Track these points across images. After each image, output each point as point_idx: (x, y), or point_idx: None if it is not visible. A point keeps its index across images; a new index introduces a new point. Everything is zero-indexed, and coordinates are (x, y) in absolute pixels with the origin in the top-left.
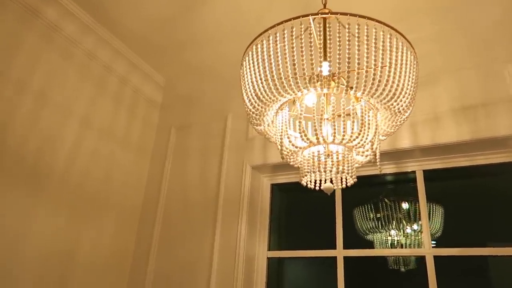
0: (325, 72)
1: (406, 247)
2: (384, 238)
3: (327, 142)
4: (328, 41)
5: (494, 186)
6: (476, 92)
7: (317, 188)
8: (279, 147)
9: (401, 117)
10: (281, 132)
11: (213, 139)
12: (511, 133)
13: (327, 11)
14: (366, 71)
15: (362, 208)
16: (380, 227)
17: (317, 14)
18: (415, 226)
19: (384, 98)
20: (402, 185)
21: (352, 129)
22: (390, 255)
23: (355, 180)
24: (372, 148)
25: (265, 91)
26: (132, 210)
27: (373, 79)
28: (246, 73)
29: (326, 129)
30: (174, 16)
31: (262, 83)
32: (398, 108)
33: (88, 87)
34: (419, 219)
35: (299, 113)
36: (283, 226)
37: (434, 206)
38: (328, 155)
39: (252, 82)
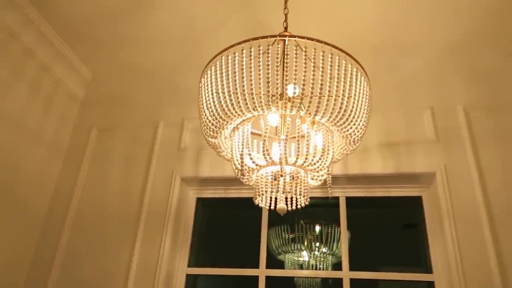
0: (290, 94)
1: (315, 269)
2: (296, 258)
3: (288, 163)
4: (292, 63)
5: (402, 215)
6: (400, 131)
7: (272, 208)
8: (236, 163)
9: (354, 146)
10: (242, 149)
11: (140, 145)
12: (426, 171)
13: (287, 34)
14: (326, 97)
15: (277, 228)
16: (293, 248)
17: (276, 36)
18: (324, 249)
19: (345, 127)
20: (319, 208)
21: (313, 153)
22: (310, 276)
23: (308, 202)
24: (327, 173)
25: (231, 105)
26: (36, 212)
27: (334, 106)
28: (211, 84)
29: (281, 150)
30: (116, 11)
31: (229, 96)
32: (355, 139)
33: (2, 69)
34: (330, 242)
35: (263, 131)
36: (204, 242)
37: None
38: (282, 176)
39: (216, 93)
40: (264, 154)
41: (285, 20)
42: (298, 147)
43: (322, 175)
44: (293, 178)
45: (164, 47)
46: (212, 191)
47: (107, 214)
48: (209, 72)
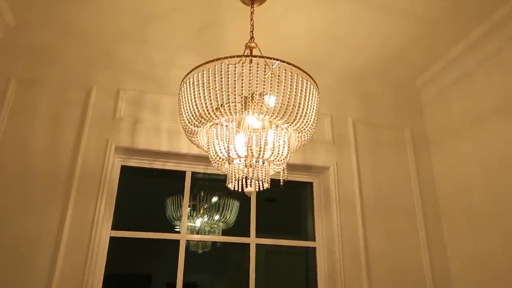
0: (272, 104)
1: (206, 233)
2: (191, 224)
3: (255, 157)
4: (255, 78)
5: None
6: None
7: (240, 190)
8: (219, 153)
9: (305, 143)
10: (228, 144)
11: (71, 108)
12: (323, 165)
13: (254, 45)
14: (285, 105)
15: (177, 197)
16: (190, 215)
17: (243, 56)
18: (216, 217)
19: (303, 128)
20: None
21: (279, 148)
22: (222, 241)
23: (269, 185)
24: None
25: (207, 112)
26: None
27: (291, 112)
28: (190, 93)
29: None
30: None
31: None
32: (308, 138)
33: None
34: (223, 211)
35: (248, 132)
36: (128, 207)
37: (232, 200)
38: (251, 166)
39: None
40: (244, 149)
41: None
42: (265, 144)
43: (282, 165)
44: (256, 167)
45: (103, 11)
46: (138, 161)
47: (31, 173)
48: (186, 83)
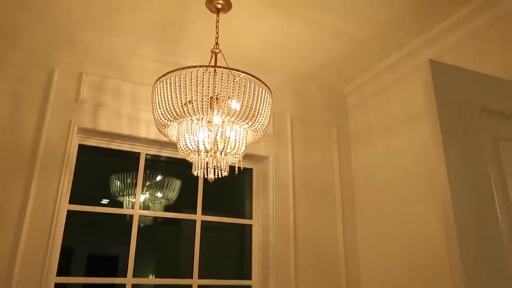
0: (233, 107)
1: (149, 209)
2: (133, 200)
3: (219, 150)
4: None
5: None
6: None
7: (204, 177)
8: (189, 145)
9: (258, 139)
10: (198, 138)
11: (32, 87)
12: (264, 155)
13: (218, 51)
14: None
15: (123, 174)
16: (132, 192)
17: (208, 66)
18: (159, 194)
19: (259, 129)
20: (166, 164)
21: (238, 143)
22: (171, 217)
23: (227, 173)
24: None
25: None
26: None
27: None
28: (162, 94)
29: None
30: None
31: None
32: (261, 136)
33: None
34: (165, 189)
35: (213, 129)
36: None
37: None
38: (214, 157)
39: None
40: (210, 142)
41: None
42: (227, 140)
43: (239, 157)
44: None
45: None
46: (96, 141)
47: None
48: (161, 84)
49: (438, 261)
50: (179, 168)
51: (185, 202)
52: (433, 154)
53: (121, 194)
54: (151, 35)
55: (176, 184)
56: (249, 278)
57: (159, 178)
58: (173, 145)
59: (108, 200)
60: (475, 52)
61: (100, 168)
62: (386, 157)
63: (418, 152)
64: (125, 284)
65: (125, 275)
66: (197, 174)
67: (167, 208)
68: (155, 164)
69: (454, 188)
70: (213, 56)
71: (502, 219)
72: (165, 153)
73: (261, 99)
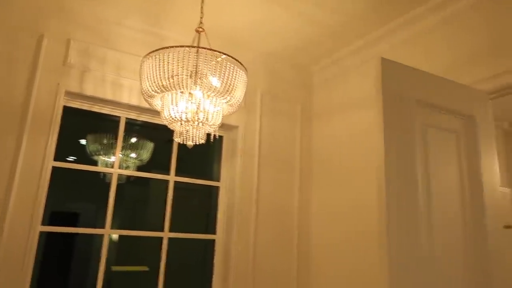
0: (214, 84)
1: (123, 168)
2: (107, 159)
3: (199, 121)
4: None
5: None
6: None
7: (184, 143)
8: (173, 115)
9: (233, 112)
10: (180, 110)
11: (22, 50)
12: (235, 124)
13: (201, 29)
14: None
15: (100, 135)
16: (108, 152)
17: (193, 46)
18: (133, 155)
19: (235, 104)
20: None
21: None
22: (146, 177)
23: (204, 141)
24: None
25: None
26: None
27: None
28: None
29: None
30: None
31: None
32: (236, 110)
33: None
34: (139, 150)
35: (194, 101)
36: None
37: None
38: (194, 127)
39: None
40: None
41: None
42: (206, 112)
43: (215, 127)
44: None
45: None
46: (80, 104)
47: None
48: (148, 60)
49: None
50: (152, 132)
51: (156, 164)
52: (375, 136)
53: (98, 153)
54: (138, 7)
55: (150, 146)
56: (214, 233)
57: (134, 140)
58: (151, 111)
59: (81, 158)
60: (423, 48)
61: (80, 129)
62: (341, 134)
63: (366, 132)
64: (103, 235)
65: (102, 226)
66: (179, 141)
67: (139, 169)
68: (132, 127)
69: (388, 165)
70: (198, 35)
71: (421, 190)
72: (144, 118)
73: (238, 78)
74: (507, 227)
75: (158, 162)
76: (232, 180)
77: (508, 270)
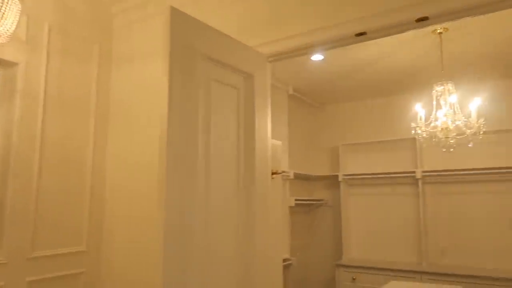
0: None
1: None
2: None
3: None
4: None
5: None
6: None
7: None
8: None
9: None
10: None
11: None
12: (14, 60)
13: None
14: None
15: None
16: None
17: None
18: None
19: (3, 32)
20: None
21: None
22: None
23: None
24: None
25: None
26: None
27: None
28: None
29: None
30: None
31: None
32: (5, 41)
33: None
34: None
35: None
36: None
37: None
38: None
39: None
40: None
41: None
42: None
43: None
44: None
45: None
46: None
47: None
48: None
49: None
50: None
51: None
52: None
53: None
54: None
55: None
56: None
57: None
58: None
59: None
60: (218, 7)
61: None
62: (141, 83)
63: (160, 82)
64: None
65: None
66: None
67: None
68: None
69: (172, 114)
70: None
71: (202, 139)
72: None
73: (8, 4)
74: (274, 173)
75: None
76: (9, 124)
77: (264, 208)
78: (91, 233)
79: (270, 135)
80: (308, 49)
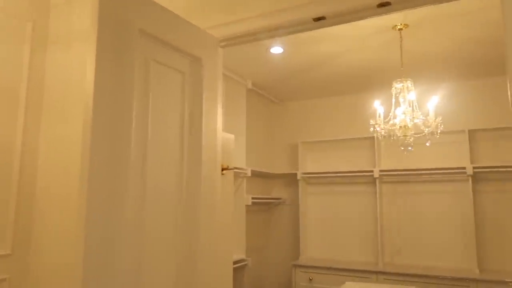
0: None
1: None
2: None
3: None
4: None
5: None
6: None
7: None
8: None
9: None
10: None
11: None
12: None
13: None
14: None
15: None
16: None
17: None
18: None
19: None
20: None
21: None
22: None
23: None
24: None
25: None
26: None
27: None
28: None
29: None
30: None
31: None
32: None
33: None
34: None
35: None
36: None
37: None
38: None
39: None
40: None
41: None
42: None
43: None
44: None
45: None
46: None
47: None
48: None
49: None
50: None
51: None
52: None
53: None
54: None
55: None
56: None
57: None
58: None
59: None
60: None
61: None
62: (79, 66)
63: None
64: None
65: None
66: None
67: None
68: None
69: (98, 97)
70: None
71: (137, 128)
72: None
73: None
74: (224, 169)
75: None
76: None
77: (211, 206)
78: (18, 234)
79: (220, 128)
80: (264, 33)
